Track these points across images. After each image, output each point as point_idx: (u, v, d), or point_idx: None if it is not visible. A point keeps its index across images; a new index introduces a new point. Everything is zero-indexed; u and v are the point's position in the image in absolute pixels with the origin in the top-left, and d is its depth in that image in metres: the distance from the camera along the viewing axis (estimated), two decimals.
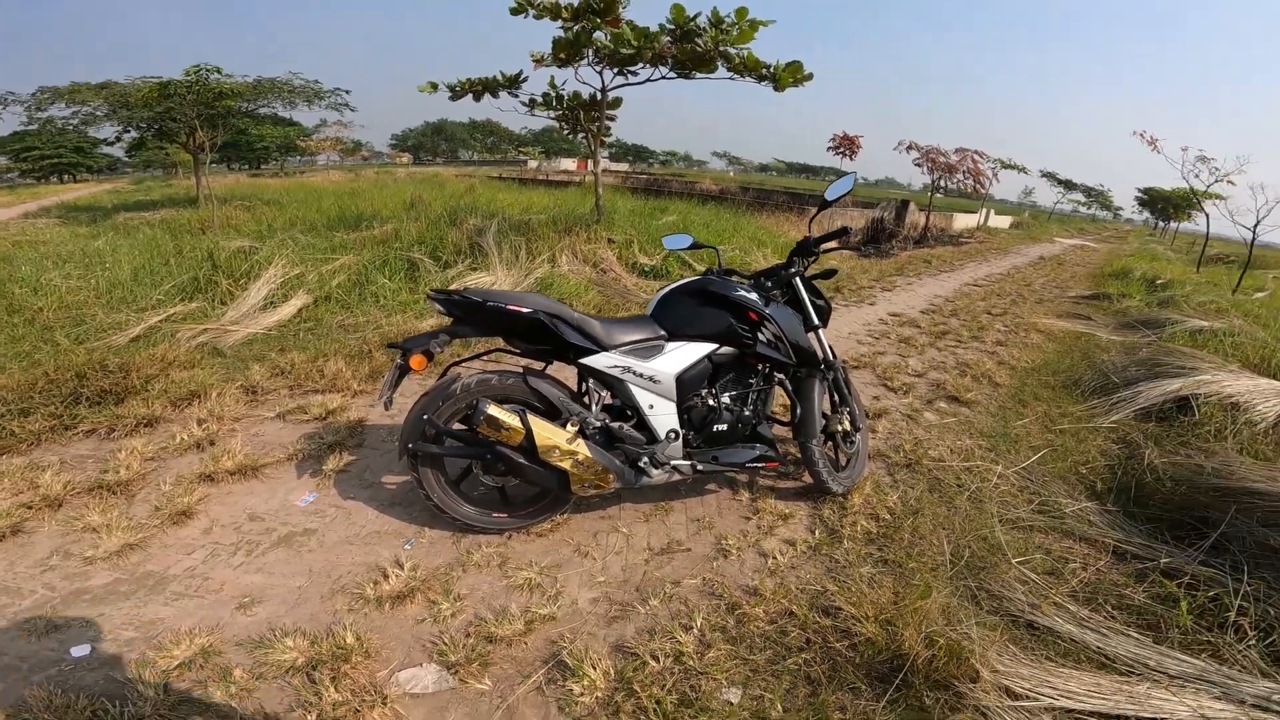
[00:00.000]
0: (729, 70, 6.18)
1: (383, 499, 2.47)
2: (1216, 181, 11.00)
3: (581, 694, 1.63)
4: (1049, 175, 42.77)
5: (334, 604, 1.91)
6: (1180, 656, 1.90)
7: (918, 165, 16.61)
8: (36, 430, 2.78)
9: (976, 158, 16.98)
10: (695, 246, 2.82)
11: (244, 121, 14.11)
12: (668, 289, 2.45)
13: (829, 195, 2.48)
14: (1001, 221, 26.82)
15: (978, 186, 17.25)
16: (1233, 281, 10.55)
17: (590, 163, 7.77)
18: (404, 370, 2.06)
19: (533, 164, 44.65)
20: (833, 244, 2.53)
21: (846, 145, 17.25)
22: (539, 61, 6.37)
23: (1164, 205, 27.84)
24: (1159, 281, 9.85)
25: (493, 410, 1.96)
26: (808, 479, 2.76)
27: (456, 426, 2.14)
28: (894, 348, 5.22)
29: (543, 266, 5.84)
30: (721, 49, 5.92)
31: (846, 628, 1.91)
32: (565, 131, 7.62)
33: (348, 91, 13.39)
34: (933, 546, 2.40)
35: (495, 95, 6.79)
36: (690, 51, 5.96)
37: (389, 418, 3.16)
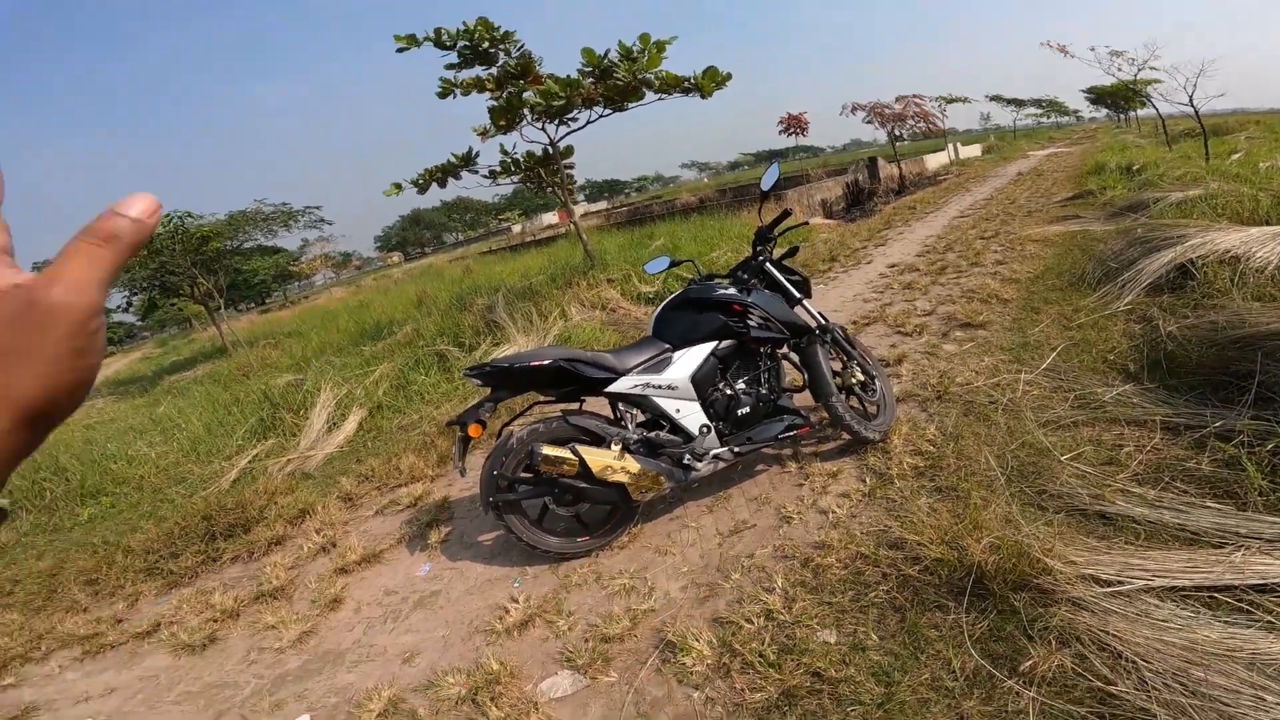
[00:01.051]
0: (655, 93, 6.52)
1: (484, 553, 2.79)
2: (1139, 71, 11.21)
3: (694, 665, 1.85)
4: (996, 98, 42.79)
5: (474, 642, 2.22)
6: (1268, 519, 1.86)
7: (868, 123, 16.90)
8: (190, 566, 3.27)
9: (918, 101, 17.21)
10: (674, 264, 3.14)
11: (234, 260, 14.31)
12: (659, 309, 2.77)
13: (764, 186, 2.84)
14: (973, 151, 26.81)
15: (931, 127, 17.45)
16: (1202, 154, 10.59)
17: (570, 213, 8.14)
18: (466, 440, 2.39)
19: (516, 228, 45.85)
20: (785, 224, 2.84)
21: (794, 124, 17.61)
22: (484, 134, 6.76)
23: (1113, 99, 27.56)
24: (1134, 168, 9.91)
25: (546, 450, 2.28)
26: (846, 437, 2.98)
27: (523, 474, 2.44)
28: (899, 296, 5.43)
29: (557, 323, 6.20)
30: (640, 77, 6.24)
31: (916, 555, 2.03)
32: (532, 191, 7.96)
33: (319, 207, 13.95)
34: (980, 465, 2.50)
35: (457, 177, 7.10)
36: (614, 87, 6.30)
37: (467, 487, 3.49)
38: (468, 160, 7.00)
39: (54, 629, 3.01)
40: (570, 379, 2.39)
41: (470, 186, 8.11)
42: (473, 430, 2.33)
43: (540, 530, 2.50)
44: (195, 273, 12.29)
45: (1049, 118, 51.77)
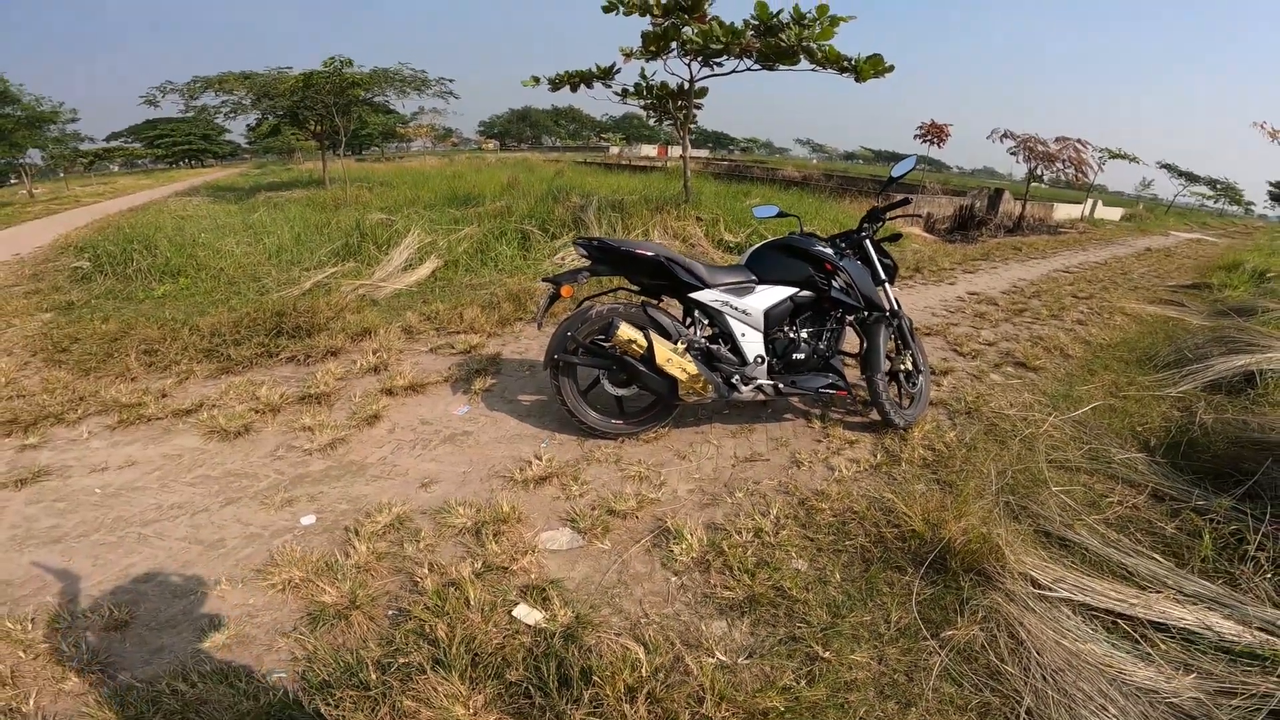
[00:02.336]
0: (811, 64, 6.49)
1: (520, 411, 3.13)
2: None
3: (680, 554, 2.08)
4: (1168, 167, 39.09)
5: (491, 484, 2.51)
6: (1197, 580, 2.09)
7: (1013, 154, 15.98)
8: (248, 356, 3.61)
9: (1079, 147, 16.11)
10: (781, 215, 3.33)
11: (363, 109, 14.90)
12: (758, 245, 2.99)
13: (894, 173, 3.03)
14: (1111, 213, 25.08)
15: (1079, 176, 16.38)
16: None
17: (672, 148, 8.27)
18: (555, 298, 2.70)
19: (614, 149, 45.51)
20: (897, 211, 2.99)
21: (935, 133, 16.82)
22: (629, 55, 6.90)
23: None
24: (1269, 274, 9.28)
25: (624, 325, 2.56)
26: (873, 417, 3.21)
27: (592, 343, 2.74)
28: (968, 321, 5.46)
29: (636, 238, 6.45)
30: (805, 44, 6.23)
31: (899, 523, 2.28)
32: (652, 119, 8.14)
33: (451, 80, 14.26)
34: (981, 473, 2.72)
35: (590, 86, 7.37)
36: (774, 46, 6.30)
37: (517, 353, 3.86)
38: (608, 74, 7.18)
39: (97, 393, 3.08)
40: (664, 275, 2.67)
41: (599, 97, 8.28)
42: (565, 290, 2.64)
43: (584, 401, 2.83)
44: (333, 112, 12.94)
45: (1215, 202, 47.40)
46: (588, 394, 2.89)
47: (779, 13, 6.20)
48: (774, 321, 2.82)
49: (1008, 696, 1.65)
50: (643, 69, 7.17)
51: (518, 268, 5.71)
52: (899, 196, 3.49)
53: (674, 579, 2.00)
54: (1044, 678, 1.68)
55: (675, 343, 2.68)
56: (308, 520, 2.21)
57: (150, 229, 6.76)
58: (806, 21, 6.12)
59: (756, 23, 6.31)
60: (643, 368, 2.62)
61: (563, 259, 5.96)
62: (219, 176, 27.63)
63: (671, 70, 6.99)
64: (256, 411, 2.96)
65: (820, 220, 9.00)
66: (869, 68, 6.28)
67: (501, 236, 6.24)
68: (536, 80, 7.41)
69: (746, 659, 1.71)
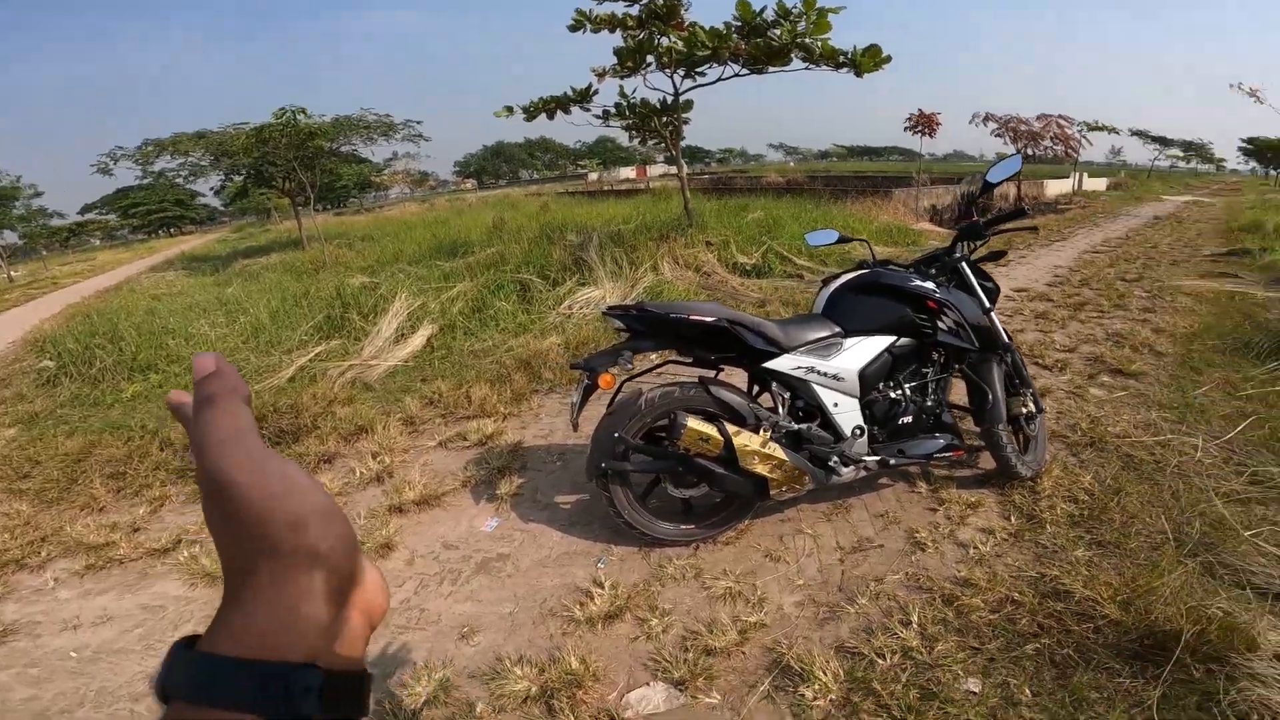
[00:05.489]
0: (806, 62, 6.04)
1: (561, 519, 2.52)
2: None
3: (815, 698, 1.60)
4: (1140, 133, 39.41)
5: (547, 628, 1.93)
6: None
7: (997, 136, 15.72)
8: None
9: (1062, 122, 15.87)
10: (843, 240, 2.76)
11: (331, 161, 14.41)
12: (834, 285, 2.41)
13: (991, 178, 2.37)
14: (1096, 184, 24.93)
15: (1068, 152, 16.13)
16: None
17: (651, 168, 7.84)
18: (591, 390, 2.10)
19: (593, 176, 45.50)
20: (1008, 225, 2.41)
21: (924, 123, 16.55)
22: (602, 74, 6.47)
23: (1273, 154, 25.02)
24: None
25: (692, 422, 1.98)
26: (983, 465, 2.64)
27: (646, 442, 2.16)
28: (1031, 324, 4.91)
29: (647, 275, 5.90)
30: (800, 42, 5.78)
31: (1083, 610, 1.82)
32: (634, 140, 7.70)
33: (419, 122, 13.81)
34: (1148, 525, 2.25)
35: (567, 111, 6.95)
36: (764, 47, 5.87)
37: (541, 437, 3.26)
38: (585, 96, 6.74)
39: (62, 529, 2.71)
40: (727, 342, 2.09)
41: (578, 123, 7.88)
42: (604, 381, 2.03)
43: (644, 510, 2.23)
44: (295, 166, 12.38)
45: (1189, 163, 47.77)
46: (648, 497, 2.29)
47: (762, 10, 5.76)
48: (871, 382, 2.23)
49: None
50: (621, 87, 6.75)
51: (522, 325, 5.12)
52: (1004, 206, 2.89)
53: None
54: None
55: (756, 430, 2.09)
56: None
57: (119, 315, 6.23)
58: (793, 17, 5.67)
59: (740, 24, 5.86)
60: (720, 470, 2.03)
61: (570, 309, 5.38)
62: (196, 245, 27.17)
63: (652, 85, 6.52)
64: None
65: (848, 230, 8.49)
66: (868, 60, 5.83)
67: (498, 290, 5.67)
68: (510, 110, 6.98)
69: None
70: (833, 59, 5.89)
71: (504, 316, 5.24)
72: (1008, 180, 2.40)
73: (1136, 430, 2.97)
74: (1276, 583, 1.92)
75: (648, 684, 1.70)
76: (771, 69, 6.21)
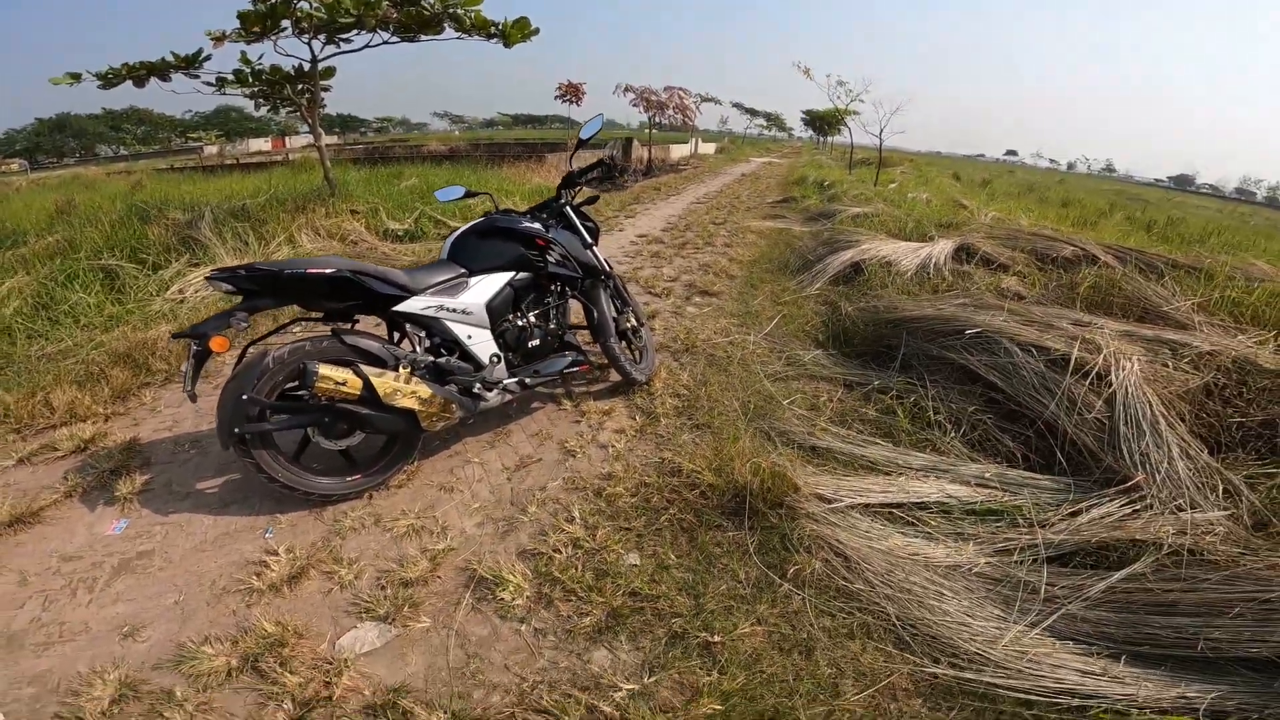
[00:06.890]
0: (459, 31, 6.06)
1: (211, 503, 2.30)
2: (852, 101, 13.89)
3: (513, 599, 1.81)
4: (738, 105, 49.12)
5: (227, 605, 1.82)
6: (914, 453, 2.48)
7: (634, 105, 17.83)
8: None
9: (682, 94, 18.76)
10: (469, 195, 3.00)
11: None
12: (457, 233, 2.66)
13: (583, 135, 2.98)
14: (709, 148, 30.43)
15: (686, 120, 19.16)
16: (873, 179, 13.72)
17: (291, 139, 7.03)
18: (204, 356, 1.96)
19: (212, 149, 37.43)
20: (593, 174, 2.96)
21: (572, 93, 17.77)
22: (219, 39, 5.52)
23: (821, 123, 33.87)
24: (825, 184, 12.39)
25: (324, 369, 2.00)
26: (613, 379, 3.24)
27: (281, 400, 2.10)
28: (649, 262, 5.99)
29: (281, 249, 5.34)
30: (451, 11, 5.77)
31: (692, 481, 2.31)
32: (263, 109, 6.78)
33: None
34: (725, 406, 2.97)
35: (166, 78, 5.73)
36: (416, 15, 5.71)
37: (164, 430, 2.84)
38: (191, 62, 5.57)
39: None
40: (354, 292, 2.13)
41: (182, 91, 6.47)
42: (216, 344, 1.89)
43: (301, 468, 2.19)
44: None
45: (769, 131, 60.69)
46: (302, 456, 2.25)
47: None
48: (499, 313, 2.55)
49: (875, 611, 1.78)
50: (244, 53, 5.78)
51: (114, 318, 4.16)
52: (594, 160, 3.45)
53: (524, 627, 1.75)
54: (884, 583, 1.84)
55: (396, 369, 2.22)
56: None
57: None
58: None
59: None
60: (366, 410, 2.12)
61: (182, 291, 4.57)
62: None
63: (284, 51, 5.77)
64: None
65: (485, 189, 8.75)
66: (516, 32, 6.10)
67: (73, 280, 4.47)
68: (76, 77, 5.41)
69: (651, 676, 1.57)
70: (484, 29, 5.99)
71: (87, 310, 4.20)
72: (597, 136, 2.93)
73: (716, 335, 3.94)
74: (807, 438, 2.61)
75: (355, 627, 1.74)
76: (424, 37, 6.05)
